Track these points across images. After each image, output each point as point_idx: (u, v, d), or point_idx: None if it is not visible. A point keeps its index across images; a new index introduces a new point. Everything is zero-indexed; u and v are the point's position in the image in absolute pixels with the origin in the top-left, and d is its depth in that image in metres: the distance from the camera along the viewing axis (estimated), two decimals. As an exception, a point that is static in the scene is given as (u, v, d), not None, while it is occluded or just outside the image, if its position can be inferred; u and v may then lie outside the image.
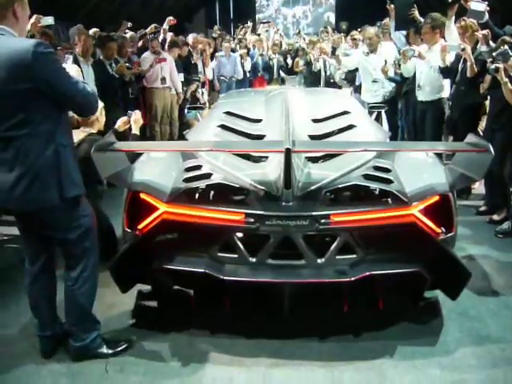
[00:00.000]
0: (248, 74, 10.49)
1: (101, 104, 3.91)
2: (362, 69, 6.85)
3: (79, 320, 2.76)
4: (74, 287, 2.69)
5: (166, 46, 8.02)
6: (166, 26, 8.44)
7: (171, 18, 8.44)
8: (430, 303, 3.26)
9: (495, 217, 4.76)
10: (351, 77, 7.92)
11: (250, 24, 13.16)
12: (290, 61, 10.99)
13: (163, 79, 7.63)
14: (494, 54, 4.29)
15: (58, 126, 2.47)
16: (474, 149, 2.72)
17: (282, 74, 10.68)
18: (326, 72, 8.88)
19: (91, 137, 3.73)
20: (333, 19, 22.61)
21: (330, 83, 8.53)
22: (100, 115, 3.87)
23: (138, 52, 7.93)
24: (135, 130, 3.70)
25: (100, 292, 2.87)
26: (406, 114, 6.55)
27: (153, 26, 8.45)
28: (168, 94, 7.82)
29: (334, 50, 9.57)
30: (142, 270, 2.94)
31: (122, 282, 3.01)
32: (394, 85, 6.48)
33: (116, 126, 3.69)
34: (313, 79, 9.28)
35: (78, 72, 2.74)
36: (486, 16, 5.05)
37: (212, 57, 9.70)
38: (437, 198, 2.85)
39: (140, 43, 8.29)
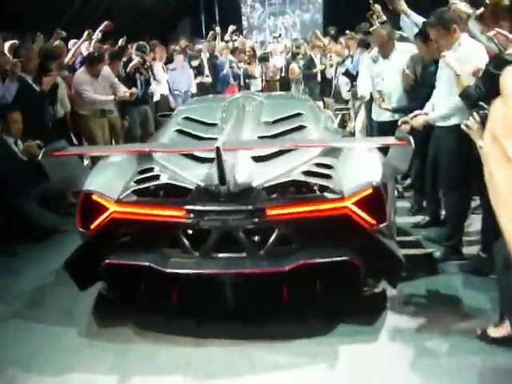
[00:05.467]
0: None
1: None
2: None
3: None
4: None
5: (107, 59, 6.61)
6: (98, 33, 6.90)
7: (107, 22, 7.11)
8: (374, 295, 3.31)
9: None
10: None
11: (218, 30, 11.05)
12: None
13: None
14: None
15: None
16: (398, 142, 2.92)
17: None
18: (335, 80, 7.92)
19: None
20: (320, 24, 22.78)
21: (336, 93, 7.71)
22: None
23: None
24: None
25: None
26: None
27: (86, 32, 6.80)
28: (111, 119, 6.38)
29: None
30: (96, 267, 3.11)
31: (79, 279, 3.20)
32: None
33: None
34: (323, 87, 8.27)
35: None
36: None
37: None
38: (370, 190, 3.00)
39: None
